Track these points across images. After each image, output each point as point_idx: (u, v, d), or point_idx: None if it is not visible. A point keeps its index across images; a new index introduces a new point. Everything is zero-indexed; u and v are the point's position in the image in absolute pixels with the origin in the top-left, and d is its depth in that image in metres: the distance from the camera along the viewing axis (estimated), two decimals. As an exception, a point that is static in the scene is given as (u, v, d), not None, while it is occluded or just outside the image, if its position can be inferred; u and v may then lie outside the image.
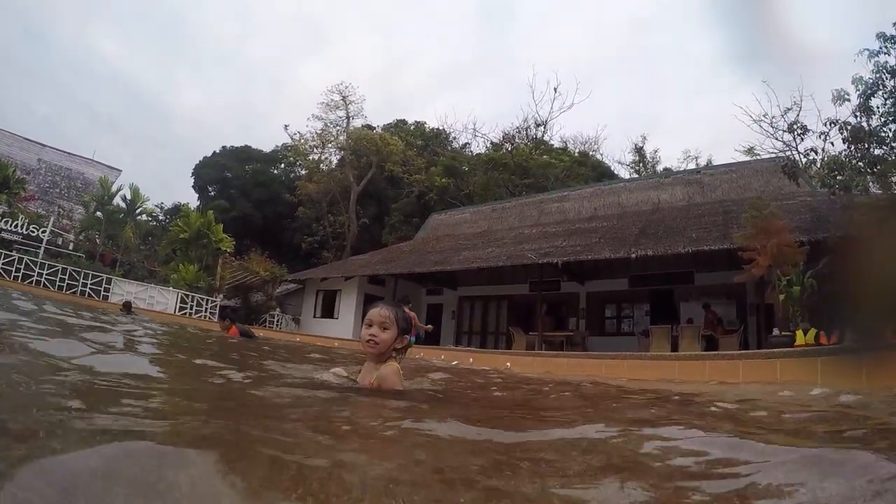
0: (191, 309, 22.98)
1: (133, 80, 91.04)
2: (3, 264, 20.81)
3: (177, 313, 21.92)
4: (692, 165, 36.54)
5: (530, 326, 16.81)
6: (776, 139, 26.40)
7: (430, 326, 13.13)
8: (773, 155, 21.83)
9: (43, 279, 21.36)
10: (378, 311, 2.69)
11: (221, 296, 24.59)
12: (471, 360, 9.88)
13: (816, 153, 12.77)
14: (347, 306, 21.75)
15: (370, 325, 2.65)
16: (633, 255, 13.57)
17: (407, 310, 10.21)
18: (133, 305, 17.31)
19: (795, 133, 14.42)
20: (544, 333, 15.75)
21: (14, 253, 21.60)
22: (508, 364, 9.28)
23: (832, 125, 11.79)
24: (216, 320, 19.52)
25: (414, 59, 79.97)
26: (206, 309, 23.64)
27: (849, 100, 11.55)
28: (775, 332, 9.34)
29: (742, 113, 29.00)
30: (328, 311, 23.00)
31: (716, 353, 10.41)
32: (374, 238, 34.10)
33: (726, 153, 72.75)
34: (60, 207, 37.65)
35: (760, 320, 12.84)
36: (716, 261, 13.62)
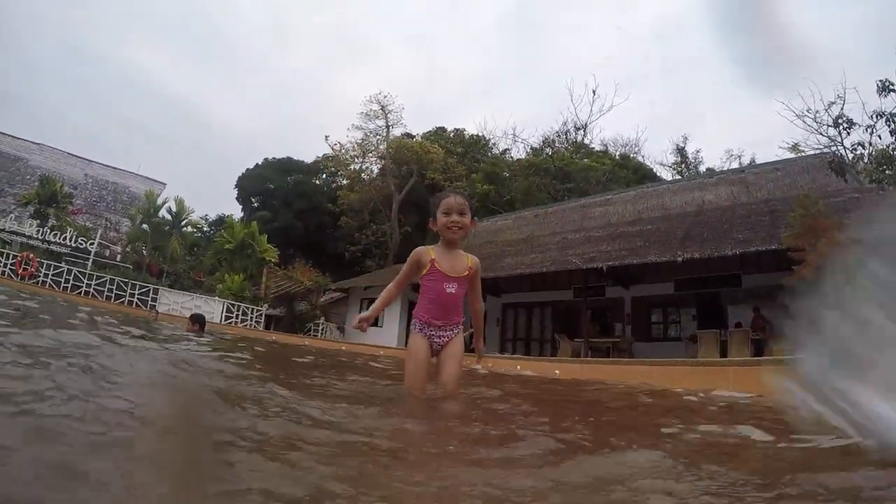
0: (236, 318, 23.60)
1: (177, 96, 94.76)
2: (53, 275, 22.01)
3: (222, 322, 22.49)
4: (735, 164, 35.53)
5: (575, 333, 16.76)
6: (821, 134, 25.49)
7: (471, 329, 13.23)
8: (818, 151, 21.12)
9: (92, 289, 22.41)
10: (455, 199, 2.87)
11: (266, 305, 25.17)
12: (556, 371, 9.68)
13: (863, 147, 12.49)
14: (392, 315, 21.89)
15: (449, 213, 2.84)
16: (679, 259, 13.44)
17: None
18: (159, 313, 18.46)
19: (841, 127, 14.11)
20: (590, 340, 15.70)
21: (63, 264, 22.80)
22: (557, 372, 9.35)
23: (878, 117, 11.55)
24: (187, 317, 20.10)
25: (451, 67, 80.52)
26: (252, 318, 24.28)
27: (894, 90, 11.30)
28: (827, 334, 9.17)
29: (784, 108, 27.94)
30: (373, 321, 22.94)
31: (772, 358, 10.22)
32: (417, 246, 34.21)
33: (770, 151, 70.77)
34: (107, 220, 39.11)
35: (812, 322, 12.54)
36: (763, 262, 13.32)
